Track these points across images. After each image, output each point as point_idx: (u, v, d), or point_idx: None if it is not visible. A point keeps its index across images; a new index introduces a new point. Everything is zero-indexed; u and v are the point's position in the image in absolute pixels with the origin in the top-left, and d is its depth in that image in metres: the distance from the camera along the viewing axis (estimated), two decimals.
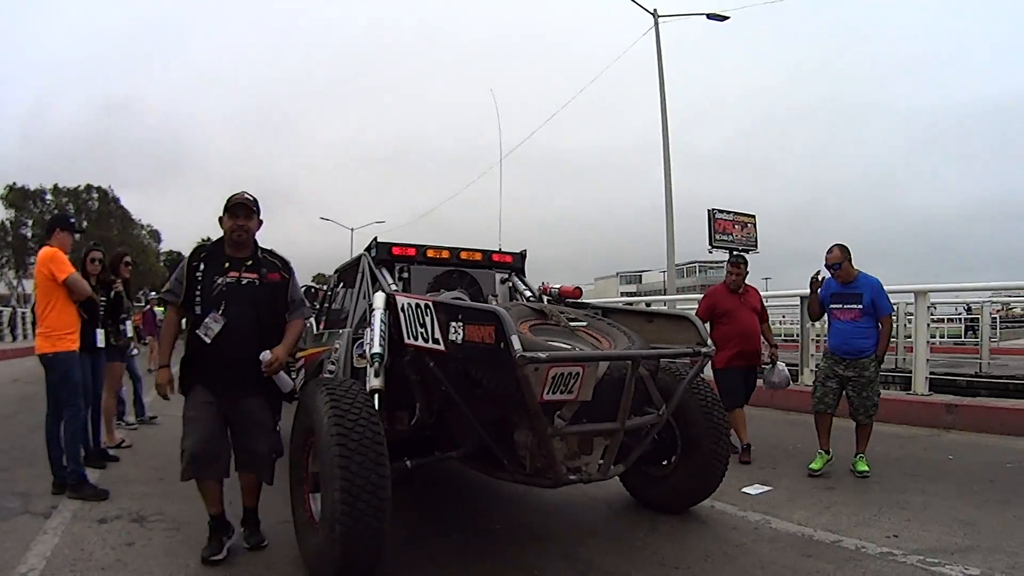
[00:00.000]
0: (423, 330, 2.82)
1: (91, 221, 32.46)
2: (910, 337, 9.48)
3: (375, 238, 3.93)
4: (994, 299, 12.53)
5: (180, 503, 3.49)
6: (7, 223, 32.59)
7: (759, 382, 5.11)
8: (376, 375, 2.93)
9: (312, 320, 4.75)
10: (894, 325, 6.85)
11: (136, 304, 9.18)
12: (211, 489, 2.93)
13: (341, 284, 4.70)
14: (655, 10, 15.30)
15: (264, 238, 3.12)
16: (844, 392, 4.38)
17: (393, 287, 3.57)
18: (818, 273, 4.52)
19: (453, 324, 2.61)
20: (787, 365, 5.14)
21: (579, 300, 3.89)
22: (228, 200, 2.99)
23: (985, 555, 2.91)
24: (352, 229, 37.67)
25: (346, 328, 3.71)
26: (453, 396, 2.81)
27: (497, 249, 4.27)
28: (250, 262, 3.00)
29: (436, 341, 2.72)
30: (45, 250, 3.88)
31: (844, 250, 4.39)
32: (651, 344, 3.18)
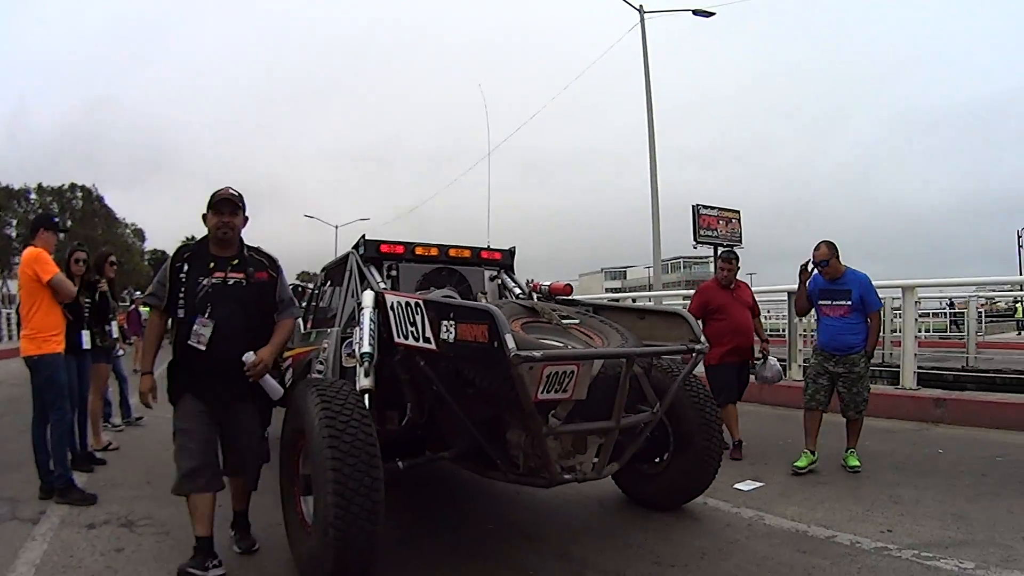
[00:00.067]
0: (414, 329, 2.78)
1: (75, 220, 32.27)
2: (897, 332, 9.58)
3: (363, 236, 3.88)
4: (979, 294, 12.68)
5: (169, 507, 3.43)
6: None
7: (751, 377, 5.12)
8: (366, 375, 2.90)
9: (299, 319, 4.70)
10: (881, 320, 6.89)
11: (121, 304, 9.07)
12: (204, 503, 2.73)
13: (328, 282, 4.64)
14: (641, 6, 15.37)
15: (248, 236, 3.01)
16: (835, 388, 4.39)
17: (382, 285, 3.53)
18: (808, 263, 4.46)
19: (445, 323, 2.58)
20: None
21: (570, 297, 3.85)
22: (212, 196, 2.85)
23: (979, 548, 2.93)
24: (337, 226, 37.32)
25: (334, 327, 3.68)
26: (445, 395, 2.77)
27: (486, 246, 4.23)
28: (236, 261, 2.88)
29: (427, 340, 2.69)
30: (29, 250, 3.82)
31: (831, 247, 4.38)
32: (644, 341, 3.15)
